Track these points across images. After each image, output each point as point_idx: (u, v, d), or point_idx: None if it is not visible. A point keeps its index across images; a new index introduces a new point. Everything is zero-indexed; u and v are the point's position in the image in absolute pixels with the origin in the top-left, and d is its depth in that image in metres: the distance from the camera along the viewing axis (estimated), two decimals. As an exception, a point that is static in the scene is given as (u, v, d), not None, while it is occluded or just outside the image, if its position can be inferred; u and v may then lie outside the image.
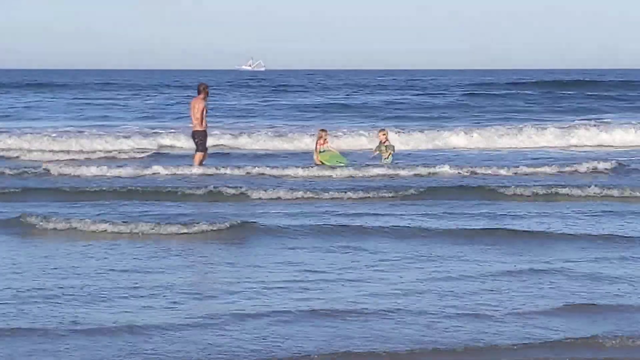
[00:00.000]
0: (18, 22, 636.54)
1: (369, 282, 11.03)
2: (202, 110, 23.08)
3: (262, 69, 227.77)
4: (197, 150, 23.61)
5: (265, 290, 10.57)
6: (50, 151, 28.56)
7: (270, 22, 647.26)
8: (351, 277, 11.29)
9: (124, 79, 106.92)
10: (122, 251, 12.97)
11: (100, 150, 29.00)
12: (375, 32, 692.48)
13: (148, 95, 66.42)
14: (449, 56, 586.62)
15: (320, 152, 24.64)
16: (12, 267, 11.86)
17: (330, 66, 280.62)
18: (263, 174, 22.45)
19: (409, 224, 15.05)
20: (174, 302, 10.03)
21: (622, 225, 15.09)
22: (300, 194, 18.79)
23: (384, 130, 25.47)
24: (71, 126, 36.18)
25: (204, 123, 23.18)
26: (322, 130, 25.44)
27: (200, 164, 23.48)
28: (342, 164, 24.01)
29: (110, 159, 26.46)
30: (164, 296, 10.32)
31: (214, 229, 14.46)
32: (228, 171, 22.69)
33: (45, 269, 11.75)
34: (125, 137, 31.20)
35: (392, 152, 24.57)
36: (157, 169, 22.95)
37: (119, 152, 28.56)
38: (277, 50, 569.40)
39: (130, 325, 9.09)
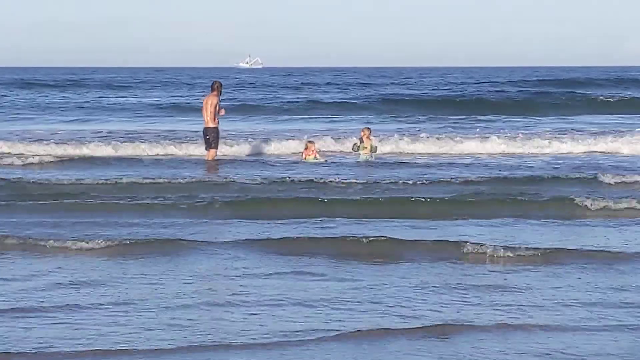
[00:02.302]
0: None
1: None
2: (216, 107, 23.06)
3: (260, 66, 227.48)
4: (209, 147, 23.41)
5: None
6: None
7: (269, 20, 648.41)
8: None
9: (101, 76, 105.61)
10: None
11: None
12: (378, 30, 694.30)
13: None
14: (447, 55, 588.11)
15: (304, 160, 25.04)
16: None
17: (328, 64, 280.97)
18: None
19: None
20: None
21: None
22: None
23: (366, 129, 25.43)
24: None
25: (216, 120, 23.17)
26: (310, 142, 26.04)
27: (213, 160, 23.30)
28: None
29: None
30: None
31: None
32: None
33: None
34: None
35: (357, 150, 24.78)
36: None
37: None
38: (275, 47, 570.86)
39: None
